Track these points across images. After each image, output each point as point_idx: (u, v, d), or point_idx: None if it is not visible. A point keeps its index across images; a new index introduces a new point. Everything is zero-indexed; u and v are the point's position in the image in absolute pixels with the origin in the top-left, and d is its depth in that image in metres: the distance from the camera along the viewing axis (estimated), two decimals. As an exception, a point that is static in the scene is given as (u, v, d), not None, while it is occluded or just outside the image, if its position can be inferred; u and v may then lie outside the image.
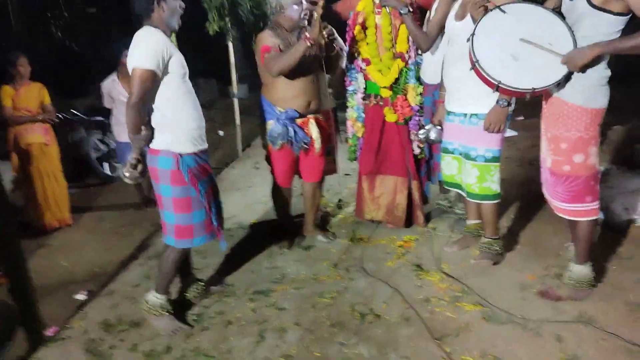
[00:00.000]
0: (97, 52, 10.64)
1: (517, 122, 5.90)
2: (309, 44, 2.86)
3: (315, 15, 2.84)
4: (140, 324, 2.77)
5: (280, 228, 3.66)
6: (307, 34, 2.86)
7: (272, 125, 3.20)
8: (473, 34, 2.47)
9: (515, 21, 2.43)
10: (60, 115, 5.66)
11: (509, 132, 5.83)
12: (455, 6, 2.93)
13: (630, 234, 3.25)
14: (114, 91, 4.71)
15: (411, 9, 3.13)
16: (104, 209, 5.09)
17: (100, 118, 5.98)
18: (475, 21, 2.52)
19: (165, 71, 2.43)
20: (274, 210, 3.68)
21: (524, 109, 4.08)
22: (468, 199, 3.06)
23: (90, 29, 11.26)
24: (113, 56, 4.67)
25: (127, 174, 2.48)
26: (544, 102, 2.59)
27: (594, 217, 2.56)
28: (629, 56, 2.36)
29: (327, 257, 3.38)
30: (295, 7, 3.07)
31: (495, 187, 2.96)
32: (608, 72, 2.39)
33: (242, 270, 3.31)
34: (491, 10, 2.48)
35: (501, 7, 2.48)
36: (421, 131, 3.35)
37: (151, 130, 2.46)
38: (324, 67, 3.32)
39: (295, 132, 3.18)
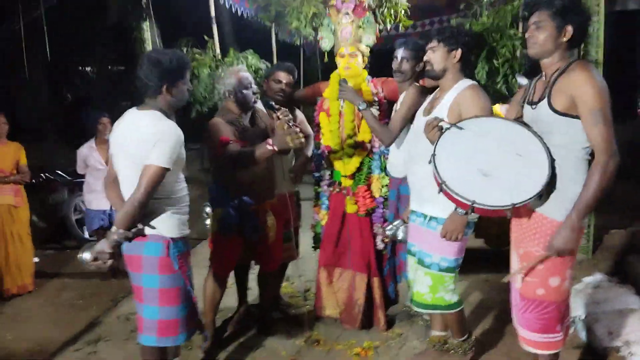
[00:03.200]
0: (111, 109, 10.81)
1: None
2: (272, 148, 2.65)
3: (281, 123, 2.71)
4: None
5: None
6: (270, 141, 2.65)
7: (225, 212, 2.97)
8: (434, 155, 2.22)
9: (475, 136, 2.21)
10: (42, 176, 5.62)
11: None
12: (425, 101, 2.74)
13: (611, 363, 2.80)
14: (90, 158, 4.63)
15: (376, 99, 2.95)
16: (70, 276, 4.86)
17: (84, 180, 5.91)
18: (433, 142, 2.29)
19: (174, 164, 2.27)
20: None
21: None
22: (415, 308, 2.73)
23: (112, 86, 11.53)
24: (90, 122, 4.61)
25: (92, 264, 2.22)
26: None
27: (556, 351, 2.23)
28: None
29: (274, 362, 3.05)
30: (245, 91, 2.94)
31: (449, 297, 2.63)
32: None
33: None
34: (447, 128, 2.26)
35: (457, 124, 2.26)
36: (388, 227, 3.04)
37: (143, 226, 2.27)
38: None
39: (249, 220, 2.94)
